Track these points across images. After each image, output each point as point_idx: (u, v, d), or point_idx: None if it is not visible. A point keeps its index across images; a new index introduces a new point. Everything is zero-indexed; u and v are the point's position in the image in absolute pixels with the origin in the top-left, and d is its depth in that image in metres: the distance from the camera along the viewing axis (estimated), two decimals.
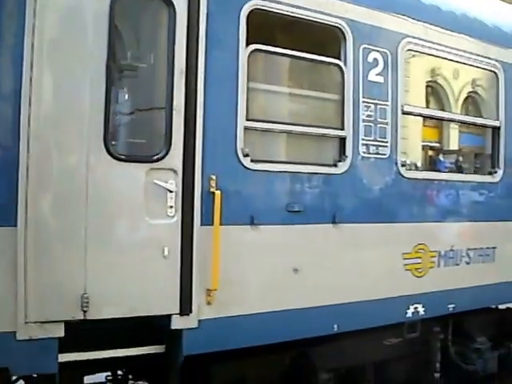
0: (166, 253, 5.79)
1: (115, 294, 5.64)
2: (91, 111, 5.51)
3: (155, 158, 5.79)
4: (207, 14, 6.00)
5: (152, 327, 5.94)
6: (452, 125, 9.33)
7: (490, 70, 8.56)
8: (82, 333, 5.56)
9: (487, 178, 8.53)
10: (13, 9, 5.27)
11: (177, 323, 5.89)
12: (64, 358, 5.49)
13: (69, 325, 5.46)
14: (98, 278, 5.54)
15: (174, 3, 5.84)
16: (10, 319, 5.26)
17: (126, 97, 6.03)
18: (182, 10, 5.88)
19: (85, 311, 5.48)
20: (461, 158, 11.56)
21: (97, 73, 5.52)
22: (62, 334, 5.42)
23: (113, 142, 5.62)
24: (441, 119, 10.27)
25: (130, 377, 7.05)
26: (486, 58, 8.37)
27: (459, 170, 11.08)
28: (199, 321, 5.99)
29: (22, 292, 5.27)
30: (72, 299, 5.45)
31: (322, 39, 7.03)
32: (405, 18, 7.53)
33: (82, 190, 5.48)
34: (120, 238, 5.68)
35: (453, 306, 8.01)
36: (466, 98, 12.77)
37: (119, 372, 6.88)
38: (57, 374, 5.49)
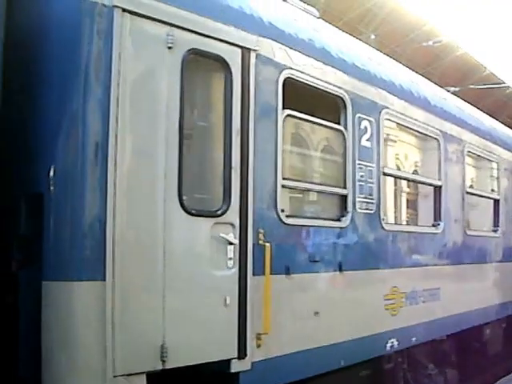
0: (227, 302, 5.18)
1: (187, 342, 4.95)
2: (167, 168, 4.83)
3: (219, 212, 5.19)
4: (255, 79, 5.51)
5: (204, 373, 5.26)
6: None
7: None
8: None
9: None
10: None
11: (236, 366, 5.26)
12: None
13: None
14: (174, 328, 4.83)
15: (232, 69, 5.34)
16: (100, 374, 4.43)
17: (192, 154, 5.34)
18: (236, 75, 5.38)
19: (164, 361, 4.73)
20: None
21: (171, 130, 4.87)
22: None
23: (184, 197, 4.95)
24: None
25: None
26: None
27: None
28: (252, 363, 5.39)
29: (110, 346, 4.46)
30: (153, 350, 4.70)
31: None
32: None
33: (160, 243, 4.79)
34: (191, 289, 5.00)
35: (415, 338, 7.75)
36: None
37: None
38: None
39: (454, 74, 30.36)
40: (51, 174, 4.49)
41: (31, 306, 4.53)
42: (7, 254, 4.64)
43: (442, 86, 9.86)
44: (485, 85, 27.95)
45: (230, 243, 5.21)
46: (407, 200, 8.86)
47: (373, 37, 21.03)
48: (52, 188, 4.47)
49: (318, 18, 7.31)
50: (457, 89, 20.19)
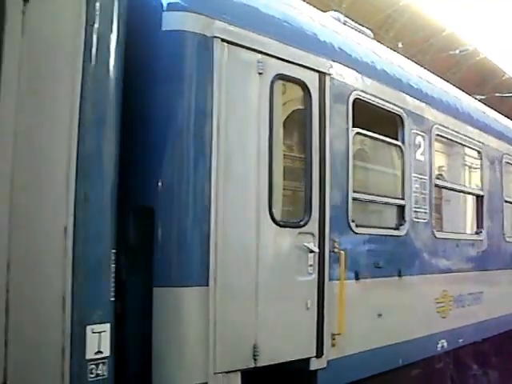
0: (308, 305, 5.63)
1: (275, 342, 5.38)
2: (259, 182, 5.29)
3: (302, 223, 5.64)
4: (329, 101, 5.95)
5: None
6: None
7: None
8: None
9: None
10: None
11: (314, 364, 5.71)
12: None
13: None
14: (264, 329, 5.27)
15: (311, 92, 5.79)
16: (203, 371, 4.87)
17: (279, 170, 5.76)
18: (315, 97, 5.84)
19: (256, 359, 5.18)
20: None
21: (262, 148, 5.32)
22: (239, 382, 5.09)
23: (273, 210, 5.40)
24: None
25: None
26: None
27: None
28: (327, 361, 5.83)
29: (211, 345, 4.90)
30: (247, 349, 5.15)
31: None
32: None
33: (254, 252, 5.24)
34: (279, 294, 5.44)
35: (461, 339, 8.18)
36: None
37: None
38: None
39: (473, 78, 30.76)
40: (160, 187, 4.91)
41: (139, 310, 4.95)
42: (117, 263, 5.05)
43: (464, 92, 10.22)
44: (510, 93, 28.34)
45: (311, 251, 5.65)
46: (453, 209, 9.24)
47: (400, 45, 21.44)
48: (161, 201, 4.90)
49: (373, 38, 7.74)
50: (483, 96, 20.60)
